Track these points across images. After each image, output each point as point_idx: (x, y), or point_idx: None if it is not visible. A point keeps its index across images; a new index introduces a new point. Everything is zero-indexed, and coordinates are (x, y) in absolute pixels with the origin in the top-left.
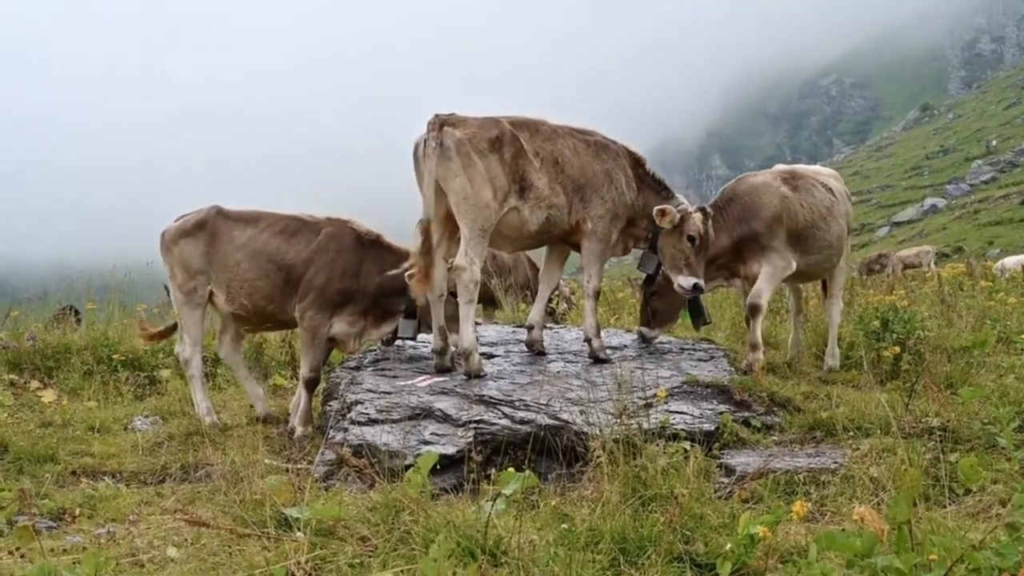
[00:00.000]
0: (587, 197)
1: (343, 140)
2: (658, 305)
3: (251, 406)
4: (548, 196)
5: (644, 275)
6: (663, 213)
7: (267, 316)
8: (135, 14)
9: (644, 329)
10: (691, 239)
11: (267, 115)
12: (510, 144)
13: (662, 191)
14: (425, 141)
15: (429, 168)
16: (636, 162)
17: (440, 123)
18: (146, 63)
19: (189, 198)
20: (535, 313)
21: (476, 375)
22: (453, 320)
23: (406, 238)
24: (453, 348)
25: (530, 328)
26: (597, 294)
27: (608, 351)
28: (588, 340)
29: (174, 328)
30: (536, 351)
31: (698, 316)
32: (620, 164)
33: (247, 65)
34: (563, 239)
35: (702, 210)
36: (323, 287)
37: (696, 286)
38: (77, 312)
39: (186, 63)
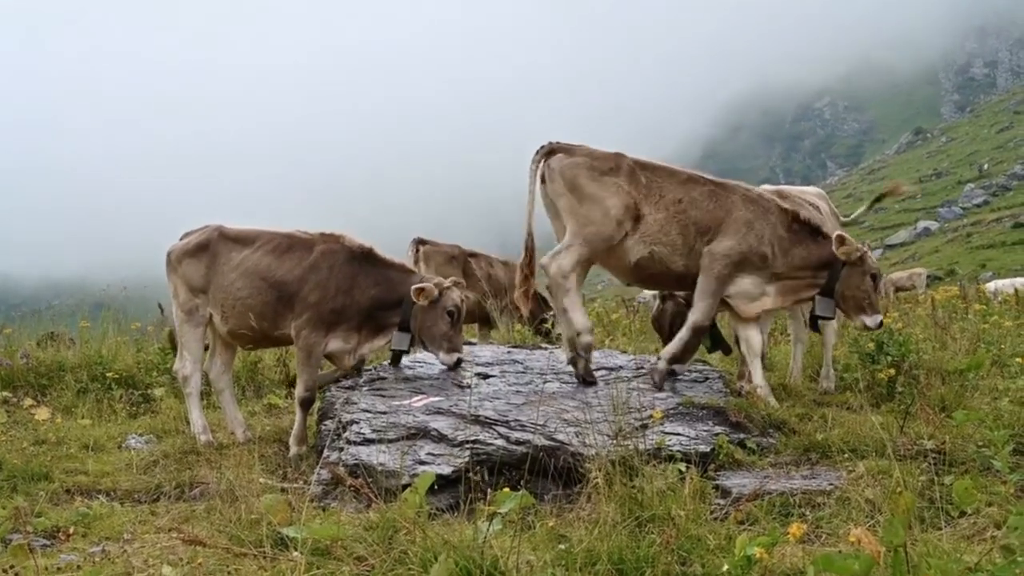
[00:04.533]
0: (715, 240)
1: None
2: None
3: (232, 433)
4: (655, 233)
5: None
6: (842, 241)
7: (260, 334)
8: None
9: (678, 366)
10: (873, 277)
11: (271, 111)
12: (627, 175)
13: (818, 236)
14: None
15: (531, 189)
16: (792, 218)
17: (548, 150)
18: (145, 51)
19: (183, 201)
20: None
21: (585, 367)
22: (444, 338)
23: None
24: (441, 366)
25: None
26: (698, 330)
27: (598, 373)
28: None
29: None
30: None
31: (718, 341)
32: (769, 221)
33: (251, 57)
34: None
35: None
36: (317, 305)
37: (880, 323)
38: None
39: (188, 53)
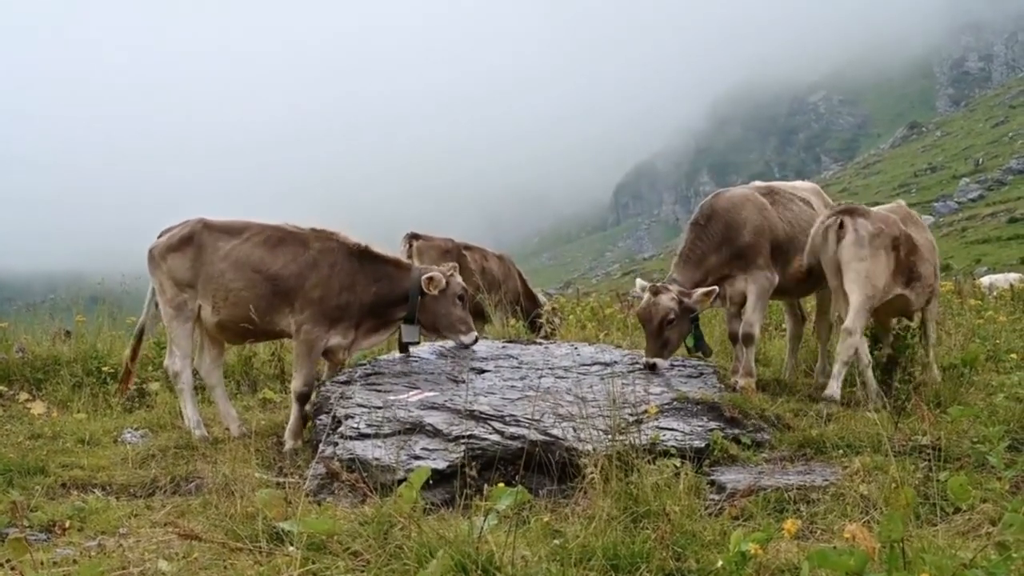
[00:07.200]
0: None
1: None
2: (672, 335)
3: (227, 428)
4: (932, 283)
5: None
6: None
7: (250, 326)
8: None
9: (659, 360)
10: None
11: (264, 102)
12: (905, 243)
13: None
14: (831, 227)
15: (846, 254)
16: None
17: (848, 211)
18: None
19: (175, 192)
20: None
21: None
22: (461, 321)
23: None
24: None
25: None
26: None
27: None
28: None
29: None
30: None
31: (701, 342)
32: None
33: (244, 46)
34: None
35: None
36: (321, 301)
37: None
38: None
39: (182, 43)
